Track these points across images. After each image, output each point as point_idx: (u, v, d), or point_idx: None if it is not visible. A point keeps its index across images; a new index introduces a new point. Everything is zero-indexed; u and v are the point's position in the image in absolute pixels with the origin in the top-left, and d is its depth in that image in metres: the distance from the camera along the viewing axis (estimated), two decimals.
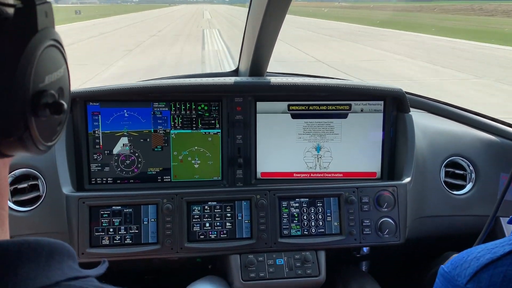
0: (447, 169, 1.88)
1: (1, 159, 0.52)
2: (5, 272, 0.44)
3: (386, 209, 1.72)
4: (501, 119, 2.00)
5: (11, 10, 0.47)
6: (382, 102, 1.84)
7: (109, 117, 1.74)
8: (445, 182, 1.87)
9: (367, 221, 1.71)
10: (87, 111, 1.72)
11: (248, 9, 1.82)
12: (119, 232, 1.63)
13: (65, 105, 0.52)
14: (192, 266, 2.00)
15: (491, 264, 0.72)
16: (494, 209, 1.23)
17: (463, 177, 1.89)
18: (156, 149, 1.78)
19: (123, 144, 1.76)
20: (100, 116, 1.73)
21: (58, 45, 0.53)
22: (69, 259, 0.52)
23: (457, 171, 1.89)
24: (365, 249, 1.96)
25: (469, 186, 1.88)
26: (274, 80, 1.79)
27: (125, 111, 1.74)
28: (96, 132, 1.74)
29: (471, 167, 1.89)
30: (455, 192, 1.87)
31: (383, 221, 1.71)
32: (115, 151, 1.76)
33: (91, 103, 1.72)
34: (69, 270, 0.51)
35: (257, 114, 1.82)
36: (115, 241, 1.62)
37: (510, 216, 0.90)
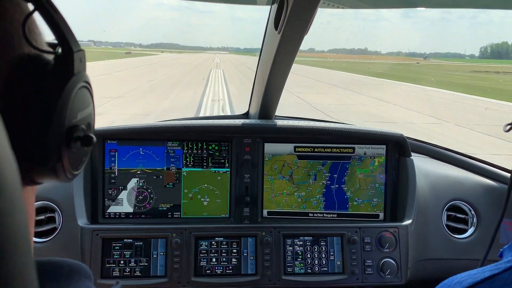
0: (449, 213, 1.93)
1: (31, 186, 0.58)
2: None
3: (387, 250, 1.77)
4: (500, 165, 2.06)
5: (51, 56, 0.55)
6: (384, 146, 1.92)
7: (126, 155, 1.85)
8: (447, 225, 1.91)
9: (369, 261, 1.75)
10: (105, 149, 1.83)
11: (258, 58, 1.96)
12: (129, 264, 1.69)
13: (94, 138, 0.59)
14: None
15: (471, 287, 0.78)
16: (485, 252, 1.28)
17: (465, 221, 1.93)
18: (167, 186, 1.87)
19: (137, 181, 1.85)
20: (117, 153, 1.84)
21: (88, 86, 0.61)
22: (86, 279, 0.58)
23: (458, 215, 1.93)
24: None
25: (471, 230, 1.92)
26: (281, 123, 1.90)
27: (140, 149, 1.85)
28: (113, 168, 1.84)
29: (472, 212, 1.93)
30: (457, 236, 1.90)
31: (384, 261, 1.75)
32: (129, 187, 1.85)
33: (109, 141, 1.83)
34: None
35: (265, 155, 1.92)
36: (125, 273, 1.68)
37: (500, 250, 0.96)
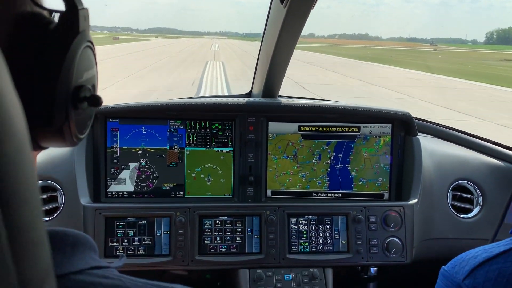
0: (454, 193, 1.91)
1: (34, 153, 0.55)
2: None
3: (393, 229, 1.75)
4: (507, 145, 2.04)
5: (57, 14, 0.53)
6: (390, 125, 1.90)
7: (128, 133, 1.82)
8: (452, 205, 1.90)
9: (374, 240, 1.74)
10: (107, 127, 1.81)
11: (261, 37, 1.92)
12: (133, 243, 1.68)
13: (102, 98, 0.57)
14: (202, 282, 2.03)
15: (487, 262, 0.77)
16: (494, 231, 1.27)
17: (470, 201, 1.92)
18: (170, 165, 1.85)
19: (140, 160, 1.83)
20: (118, 132, 1.82)
21: (92, 47, 0.59)
22: (90, 251, 0.57)
23: (464, 195, 1.92)
24: (372, 270, 1.98)
25: (476, 210, 1.91)
26: (285, 101, 1.87)
27: (143, 128, 1.82)
28: (115, 147, 1.82)
29: (478, 191, 1.92)
30: (462, 216, 1.89)
31: (390, 240, 1.74)
32: (131, 166, 1.83)
33: (111, 120, 1.81)
34: (91, 260, 0.55)
35: (269, 134, 1.89)
36: (128, 252, 1.67)
37: (511, 229, 0.95)
